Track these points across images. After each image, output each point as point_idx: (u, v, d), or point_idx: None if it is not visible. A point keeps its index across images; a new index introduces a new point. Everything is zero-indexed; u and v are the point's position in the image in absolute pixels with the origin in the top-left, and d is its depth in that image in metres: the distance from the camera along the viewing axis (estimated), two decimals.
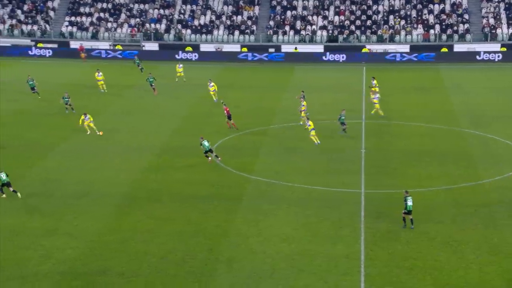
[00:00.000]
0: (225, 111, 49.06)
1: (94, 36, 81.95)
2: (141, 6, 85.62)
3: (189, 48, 79.58)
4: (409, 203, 32.00)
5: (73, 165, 41.56)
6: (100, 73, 61.26)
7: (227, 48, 79.96)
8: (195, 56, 78.25)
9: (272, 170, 40.68)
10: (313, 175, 40.08)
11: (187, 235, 31.82)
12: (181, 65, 66.75)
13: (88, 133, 47.17)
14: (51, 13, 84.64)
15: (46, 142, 45.69)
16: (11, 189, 36.07)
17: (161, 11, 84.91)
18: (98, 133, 46.95)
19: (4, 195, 36.06)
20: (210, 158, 41.55)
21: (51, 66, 74.34)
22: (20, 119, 52.00)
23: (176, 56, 77.38)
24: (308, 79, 68.32)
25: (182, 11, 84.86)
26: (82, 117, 47.23)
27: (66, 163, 41.90)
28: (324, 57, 77.60)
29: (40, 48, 79.46)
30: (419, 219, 32.67)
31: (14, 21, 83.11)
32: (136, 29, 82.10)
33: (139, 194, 37.09)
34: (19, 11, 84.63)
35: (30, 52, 78.81)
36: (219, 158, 41.77)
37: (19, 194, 36.07)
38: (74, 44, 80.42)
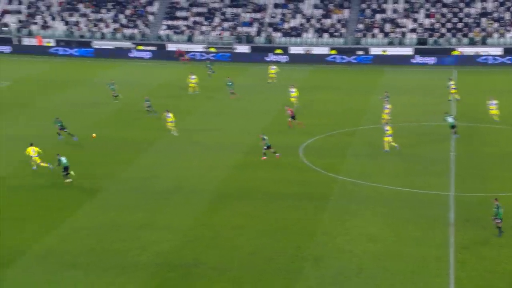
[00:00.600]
0: (289, 112, 49.98)
1: (189, 39, 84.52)
2: (234, 10, 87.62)
3: (279, 51, 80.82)
4: (501, 210, 31.41)
5: (167, 163, 43.21)
6: (194, 76, 63.07)
7: (316, 50, 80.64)
8: (285, 58, 79.35)
9: (359, 171, 41.09)
10: (400, 176, 40.23)
11: (274, 232, 32.68)
12: (274, 67, 68.03)
13: (172, 133, 48.69)
14: (150, 17, 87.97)
15: (142, 141, 47.55)
16: (66, 172, 38.97)
17: (253, 14, 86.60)
18: (174, 133, 48.37)
19: (69, 180, 39.05)
20: (265, 156, 42.89)
21: (149, 67, 77.03)
22: (119, 118, 54.30)
23: (266, 58, 78.64)
24: (396, 81, 68.04)
25: (273, 15, 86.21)
26: (165, 114, 49.09)
27: (160, 161, 43.63)
28: (413, 60, 76.98)
29: (140, 50, 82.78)
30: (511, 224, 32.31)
31: (117, 25, 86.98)
32: (224, 31, 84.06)
33: (229, 191, 38.33)
34: (121, 16, 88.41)
35: (130, 54, 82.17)
36: (277, 153, 42.92)
37: (70, 180, 38.88)
38: (171, 47, 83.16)
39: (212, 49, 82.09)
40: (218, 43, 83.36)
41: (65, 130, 47.57)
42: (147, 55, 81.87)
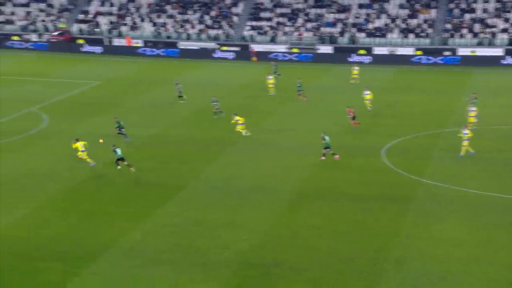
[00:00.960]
0: (350, 113, 49.37)
1: (273, 40, 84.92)
2: (318, 10, 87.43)
3: (362, 51, 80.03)
4: None
5: (247, 162, 43.50)
6: (270, 77, 63.31)
7: (401, 51, 79.42)
8: (368, 59, 78.50)
9: (444, 174, 40.21)
10: (487, 180, 39.12)
11: (354, 233, 32.42)
12: (356, 68, 67.55)
13: (244, 134, 48.64)
14: (235, 18, 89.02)
15: (223, 140, 48.01)
16: (125, 163, 41.06)
17: (337, 15, 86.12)
18: (245, 134, 48.30)
19: (119, 167, 41.08)
20: (324, 157, 42.54)
21: (232, 68, 77.96)
22: (200, 117, 55.07)
23: (349, 59, 78.05)
24: (485, 83, 66.13)
25: (357, 15, 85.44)
26: (232, 116, 49.34)
27: (240, 160, 43.96)
28: (503, 61, 74.55)
29: (223, 51, 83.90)
30: None
31: (202, 26, 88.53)
32: (305, 32, 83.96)
33: (308, 191, 38.24)
34: (207, 17, 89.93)
35: (214, 55, 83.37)
36: (336, 155, 42.40)
37: (133, 169, 40.73)
38: (254, 48, 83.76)
39: (295, 50, 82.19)
40: (301, 43, 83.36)
41: (122, 130, 48.32)
42: (230, 55, 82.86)
